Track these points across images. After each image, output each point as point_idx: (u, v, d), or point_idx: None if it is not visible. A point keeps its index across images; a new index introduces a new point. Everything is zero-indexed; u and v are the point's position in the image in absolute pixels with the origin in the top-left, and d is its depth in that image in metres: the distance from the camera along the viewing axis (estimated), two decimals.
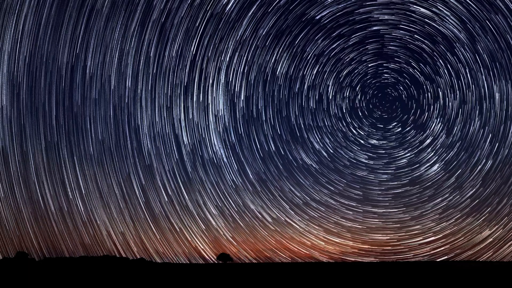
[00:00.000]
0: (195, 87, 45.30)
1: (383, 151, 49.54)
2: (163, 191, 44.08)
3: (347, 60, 47.77)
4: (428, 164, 47.93)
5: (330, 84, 48.60)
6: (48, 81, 39.86)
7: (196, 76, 45.03)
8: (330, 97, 48.95)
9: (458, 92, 46.38)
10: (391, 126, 49.34)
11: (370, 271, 30.83)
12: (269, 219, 46.88)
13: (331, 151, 49.38)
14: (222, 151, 46.80)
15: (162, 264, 41.66)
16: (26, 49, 38.29)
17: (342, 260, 46.77)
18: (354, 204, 48.57)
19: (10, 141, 38.40)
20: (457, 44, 44.23)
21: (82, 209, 40.78)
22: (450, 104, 47.10)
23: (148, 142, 44.36)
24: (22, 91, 38.76)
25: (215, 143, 46.64)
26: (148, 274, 26.67)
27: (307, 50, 46.99)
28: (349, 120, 49.46)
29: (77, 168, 41.11)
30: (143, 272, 28.78)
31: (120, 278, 22.93)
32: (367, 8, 44.92)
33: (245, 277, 24.26)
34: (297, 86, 48.32)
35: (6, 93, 38.02)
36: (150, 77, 43.44)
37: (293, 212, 47.81)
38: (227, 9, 43.59)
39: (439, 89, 47.46)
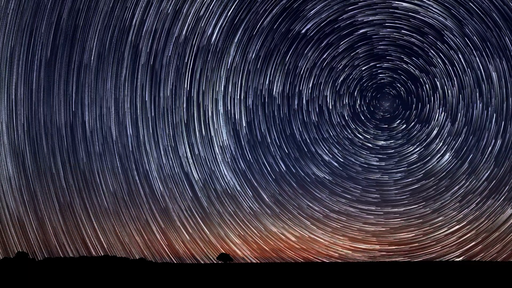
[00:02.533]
0: (196, 122, 45.66)
1: (392, 150, 49.80)
2: (183, 231, 44.37)
3: (340, 67, 48.05)
4: (439, 155, 48.15)
5: (328, 94, 48.88)
6: (50, 144, 40.40)
7: (195, 111, 45.42)
8: (330, 107, 49.17)
9: (455, 78, 46.67)
10: (395, 125, 49.51)
11: (370, 271, 30.81)
12: (293, 239, 47.16)
13: (341, 160, 49.55)
14: (234, 180, 46.96)
15: (162, 264, 41.66)
16: (22, 116, 38.86)
17: (345, 261, 46.76)
18: (373, 208, 48.79)
19: (24, 209, 38.81)
20: (445, 31, 44.63)
21: None
22: (449, 92, 47.32)
23: (160, 185, 44.54)
24: (26, 158, 39.35)
25: (226, 173, 46.77)
26: (148, 274, 26.66)
27: (299, 65, 47.42)
28: (353, 126, 49.58)
29: (95, 224, 41.35)
30: (143, 272, 28.75)
31: (120, 278, 22.92)
32: (350, 13, 45.38)
33: (246, 277, 24.25)
34: (296, 102, 48.63)
35: (11, 163, 38.62)
36: (150, 121, 43.90)
37: (315, 227, 48.03)
38: (213, 40, 44.01)
39: (435, 79, 47.75)
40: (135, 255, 40.46)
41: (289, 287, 18.07)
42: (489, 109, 45.54)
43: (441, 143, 47.57)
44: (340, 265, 42.57)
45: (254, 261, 45.29)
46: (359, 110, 49.47)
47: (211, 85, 45.21)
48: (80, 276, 24.22)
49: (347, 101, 49.03)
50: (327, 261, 47.10)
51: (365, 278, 23.92)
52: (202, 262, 44.40)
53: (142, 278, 23.53)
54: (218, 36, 43.82)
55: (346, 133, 49.25)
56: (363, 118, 49.25)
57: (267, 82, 46.97)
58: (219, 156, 46.44)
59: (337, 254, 46.54)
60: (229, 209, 46.13)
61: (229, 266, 41.73)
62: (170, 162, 44.81)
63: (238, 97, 46.70)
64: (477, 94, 45.73)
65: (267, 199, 47.62)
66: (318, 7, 44.82)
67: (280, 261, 46.19)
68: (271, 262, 46.37)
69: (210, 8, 42.41)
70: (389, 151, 49.64)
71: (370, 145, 49.67)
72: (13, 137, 38.67)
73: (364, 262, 47.26)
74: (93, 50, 40.49)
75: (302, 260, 46.76)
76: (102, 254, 40.05)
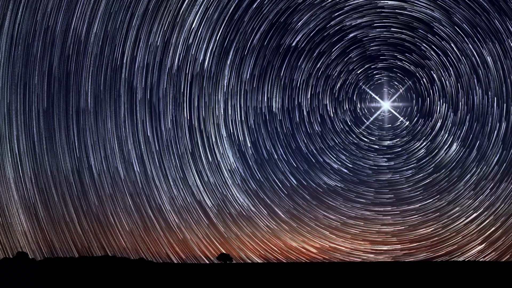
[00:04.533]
0: (201, 149, 44.84)
1: (400, 149, 49.33)
2: (204, 259, 43.69)
3: (336, 74, 47.63)
4: (446, 146, 47.77)
5: (327, 102, 48.45)
6: (60, 192, 39.69)
7: (198, 138, 44.69)
8: (332, 115, 48.85)
9: (451, 68, 46.28)
10: (398, 123, 49.41)
11: (370, 271, 30.86)
12: (314, 250, 46.41)
13: (350, 165, 49.10)
14: (247, 202, 46.46)
15: (162, 264, 41.70)
16: (28, 169, 38.39)
17: (350, 261, 46.84)
18: (389, 208, 48.29)
19: (43, 260, 38.05)
20: (434, 23, 44.03)
21: None
22: (447, 82, 47.04)
23: (175, 217, 43.88)
24: (38, 210, 38.69)
25: (238, 196, 46.28)
26: (148, 274, 26.69)
27: (295, 78, 46.72)
28: (357, 130, 49.33)
29: None
30: (143, 272, 28.79)
31: (120, 278, 22.95)
32: (338, 19, 44.72)
33: (246, 277, 24.28)
34: (297, 115, 48.11)
35: (24, 217, 38.03)
36: (155, 155, 43.25)
37: (334, 236, 47.02)
38: (205, 66, 43.54)
39: (432, 72, 47.25)
40: None
41: (289, 287, 18.09)
42: (489, 93, 45.35)
43: (446, 134, 47.42)
44: (340, 265, 42.57)
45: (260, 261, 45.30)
46: (360, 113, 49.24)
47: (211, 111, 44.82)
48: (80, 276, 24.25)
49: (347, 106, 48.84)
50: (327, 261, 47.14)
51: (365, 278, 23.96)
52: (202, 262, 44.44)
53: (142, 278, 23.58)
54: (210, 61, 43.53)
55: (351, 138, 49.04)
56: (365, 121, 49.19)
57: (265, 100, 46.36)
58: (229, 180, 45.67)
59: (359, 259, 46.39)
60: (247, 230, 45.52)
61: (229, 266, 41.77)
62: (181, 192, 44.05)
63: (239, 118, 45.99)
64: (475, 80, 45.53)
65: (282, 215, 47.31)
66: (304, 18, 44.21)
67: (282, 261, 46.24)
68: (272, 262, 46.39)
69: (198, 34, 42.27)
70: (397, 150, 49.35)
71: (376, 146, 49.39)
72: (22, 191, 38.22)
73: (364, 262, 47.18)
74: (89, 93, 40.46)
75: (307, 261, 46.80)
76: (102, 254, 40.16)
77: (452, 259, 45.20)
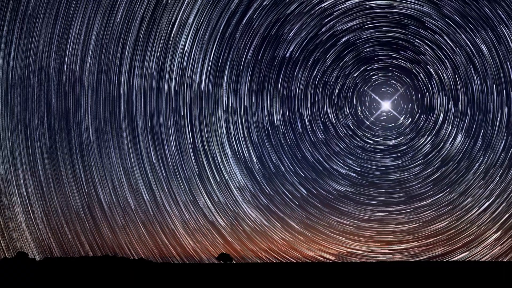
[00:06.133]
0: (208, 170, 45.03)
1: (405, 147, 49.44)
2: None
3: (333, 80, 47.81)
4: (451, 139, 47.82)
5: (328, 109, 48.58)
6: (73, 229, 39.94)
7: (204, 160, 44.89)
8: (334, 121, 48.91)
9: (446, 61, 46.41)
10: (400, 121, 49.40)
11: (370, 271, 30.85)
12: (332, 258, 46.50)
13: (358, 169, 49.18)
14: (260, 217, 46.45)
15: (162, 264, 41.73)
16: (39, 210, 38.46)
17: (347, 260, 46.82)
18: (401, 207, 48.34)
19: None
20: (425, 18, 44.32)
21: None
22: (444, 75, 47.12)
23: (189, 240, 43.92)
24: (53, 250, 38.84)
25: (250, 212, 46.25)
26: (148, 274, 26.68)
27: (292, 88, 47.01)
28: (360, 133, 49.39)
29: None
30: (143, 272, 28.78)
31: (120, 278, 22.96)
32: (328, 25, 45.06)
33: (246, 277, 24.29)
34: (299, 125, 48.23)
35: (39, 258, 37.49)
36: (163, 181, 43.38)
37: (350, 241, 47.22)
38: (203, 87, 43.78)
39: (428, 67, 47.40)
40: None
41: (289, 287, 18.09)
42: (488, 81, 45.51)
43: (450, 127, 47.48)
44: (340, 265, 42.56)
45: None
46: (362, 116, 49.30)
47: (213, 131, 45.07)
48: (80, 276, 24.25)
49: (348, 111, 48.96)
50: (327, 261, 47.15)
51: (365, 278, 23.97)
52: (202, 262, 44.41)
53: (141, 278, 23.58)
54: (206, 82, 43.84)
55: (355, 142, 49.12)
56: (368, 123, 49.22)
57: (266, 113, 46.73)
58: (239, 197, 45.84)
59: (378, 260, 46.56)
60: (263, 246, 45.61)
61: (229, 266, 41.77)
62: (193, 215, 44.19)
63: (241, 135, 46.24)
64: (472, 70, 45.65)
65: (296, 226, 47.31)
66: (295, 28, 44.66)
67: (283, 261, 46.22)
68: (272, 262, 46.38)
69: (192, 56, 42.60)
70: (402, 148, 49.45)
71: (382, 147, 49.48)
72: (35, 232, 38.44)
73: (364, 262, 47.18)
74: (90, 128, 40.61)
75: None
76: (102, 254, 40.15)
77: (453, 259, 45.34)
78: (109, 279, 22.77)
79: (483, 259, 42.82)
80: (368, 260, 45.96)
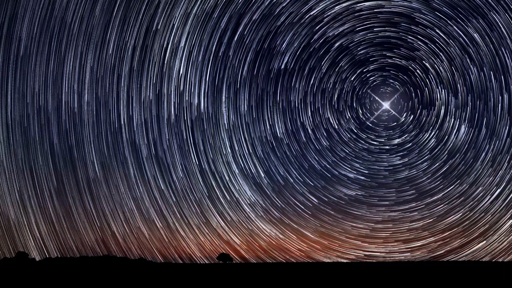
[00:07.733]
0: (217, 191, 45.03)
1: (410, 144, 49.46)
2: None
3: (330, 86, 47.84)
4: (454, 131, 47.83)
5: (329, 116, 48.58)
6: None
7: (212, 181, 44.91)
8: (336, 127, 48.92)
9: (441, 54, 46.43)
10: (403, 119, 49.48)
11: (370, 271, 30.87)
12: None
13: (366, 171, 49.19)
14: (274, 231, 46.38)
15: (162, 264, 41.78)
16: (54, 250, 38.55)
17: (347, 260, 46.82)
18: (414, 204, 48.32)
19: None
20: (415, 14, 44.43)
21: None
22: (440, 68, 47.16)
23: (206, 262, 43.87)
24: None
25: (264, 227, 46.18)
26: (148, 274, 26.69)
27: (291, 99, 47.03)
28: (364, 136, 49.40)
29: None
30: (143, 272, 28.79)
31: (120, 278, 22.97)
32: (319, 32, 45.12)
33: (245, 277, 24.30)
34: (303, 135, 48.16)
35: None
36: (174, 207, 43.41)
37: (366, 244, 47.15)
38: (202, 108, 43.87)
39: (423, 62, 47.48)
40: None
41: (289, 287, 18.08)
42: (484, 69, 45.56)
43: (452, 119, 47.51)
44: (341, 265, 42.58)
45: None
46: (364, 119, 49.39)
47: (218, 151, 45.06)
48: (80, 276, 24.26)
49: (349, 115, 49.03)
50: (328, 260, 47.16)
51: (365, 278, 23.97)
52: (202, 262, 44.43)
53: (142, 278, 23.59)
54: (205, 103, 43.92)
55: (360, 145, 49.13)
56: (371, 125, 49.26)
57: (268, 127, 46.69)
58: (252, 214, 45.77)
59: (397, 259, 46.50)
60: (280, 259, 45.44)
61: (229, 266, 41.80)
62: (208, 237, 44.19)
63: (246, 151, 46.13)
64: (468, 60, 45.70)
65: (311, 236, 47.19)
66: (287, 39, 44.75)
67: (283, 261, 46.24)
68: (272, 262, 46.42)
69: (188, 79, 42.71)
70: (407, 146, 49.48)
71: (387, 147, 49.54)
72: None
73: (364, 262, 47.18)
74: (95, 162, 40.67)
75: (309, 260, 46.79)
76: (102, 254, 40.18)
77: (452, 259, 45.37)
78: (109, 279, 22.79)
79: (500, 247, 42.88)
80: (385, 261, 46.04)
